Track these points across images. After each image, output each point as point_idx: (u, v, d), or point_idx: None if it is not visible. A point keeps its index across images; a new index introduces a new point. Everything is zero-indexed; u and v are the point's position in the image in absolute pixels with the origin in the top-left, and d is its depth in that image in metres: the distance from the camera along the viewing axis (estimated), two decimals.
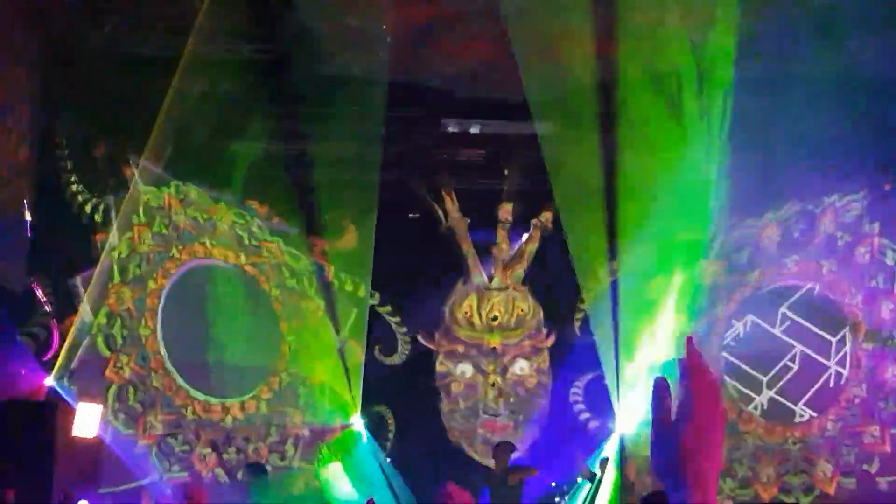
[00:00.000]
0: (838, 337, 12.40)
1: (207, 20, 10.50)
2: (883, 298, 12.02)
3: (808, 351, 12.50)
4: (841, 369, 12.26)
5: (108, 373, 11.21)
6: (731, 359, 12.58)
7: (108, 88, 11.08)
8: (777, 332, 12.54)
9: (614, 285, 12.73)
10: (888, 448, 11.69)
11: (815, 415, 12.34)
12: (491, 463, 11.80)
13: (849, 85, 11.02)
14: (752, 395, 12.53)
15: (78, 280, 11.07)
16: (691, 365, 1.25)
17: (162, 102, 11.02)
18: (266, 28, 10.95)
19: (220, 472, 11.84)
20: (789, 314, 12.49)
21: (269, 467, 11.68)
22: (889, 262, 12.03)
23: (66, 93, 11.25)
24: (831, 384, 12.31)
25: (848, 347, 12.27)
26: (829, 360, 12.38)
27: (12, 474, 9.34)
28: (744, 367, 12.58)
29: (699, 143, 11.68)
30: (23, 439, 9.83)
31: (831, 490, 11.89)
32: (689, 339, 1.49)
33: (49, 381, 10.49)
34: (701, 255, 12.56)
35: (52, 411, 10.20)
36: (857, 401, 12.05)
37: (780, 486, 12.14)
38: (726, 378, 12.58)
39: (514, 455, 11.59)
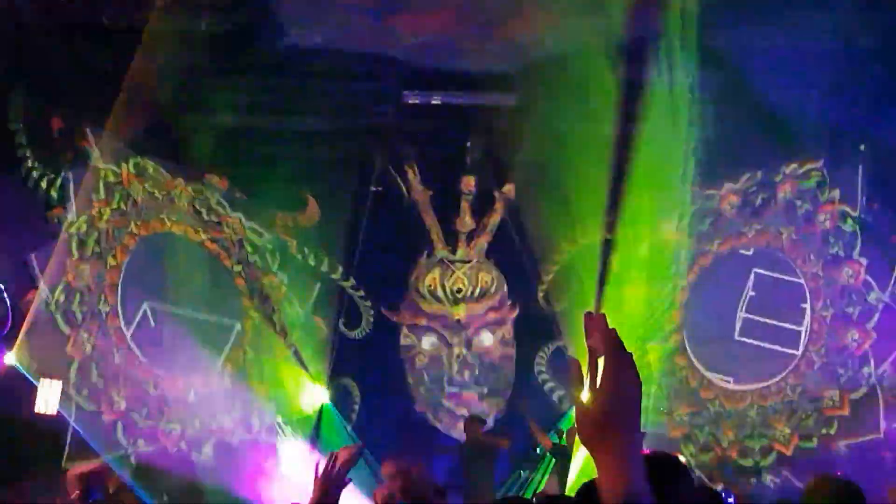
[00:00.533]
0: (799, 304, 12.43)
1: None
2: (843, 264, 12.09)
3: (769, 319, 12.48)
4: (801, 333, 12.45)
5: (68, 349, 11.03)
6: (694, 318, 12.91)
7: (65, 60, 10.95)
8: (738, 299, 12.62)
9: (577, 256, 12.92)
10: (847, 412, 11.79)
11: (776, 380, 12.40)
12: (458, 435, 12.31)
13: (806, 54, 11.07)
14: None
15: (34, 256, 10.88)
16: (599, 339, 1.32)
17: (121, 75, 10.86)
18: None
19: (183, 445, 11.88)
20: (750, 281, 12.68)
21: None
22: (848, 228, 12.13)
23: (21, 65, 10.99)
24: (792, 344, 12.46)
25: (808, 307, 12.40)
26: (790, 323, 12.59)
27: None
28: (707, 331, 12.83)
29: (661, 115, 11.74)
30: None
31: (789, 452, 11.98)
32: (588, 315, 1.53)
33: (8, 358, 10.29)
34: (664, 225, 12.83)
35: (13, 389, 10.21)
36: (816, 366, 12.15)
37: (739, 449, 12.28)
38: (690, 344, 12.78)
39: (484, 428, 12.13)
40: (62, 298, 11.12)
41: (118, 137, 11.76)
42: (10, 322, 10.67)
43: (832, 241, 12.26)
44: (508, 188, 13.06)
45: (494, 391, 13.09)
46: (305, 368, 12.80)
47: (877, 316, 11.84)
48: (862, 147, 12.18)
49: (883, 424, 11.64)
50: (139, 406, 11.73)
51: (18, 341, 10.53)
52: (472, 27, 11.21)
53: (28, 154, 11.10)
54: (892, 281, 11.89)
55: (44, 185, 11.15)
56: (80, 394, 11.09)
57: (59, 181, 11.26)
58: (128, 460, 11.47)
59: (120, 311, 11.74)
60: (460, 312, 13.21)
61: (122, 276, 11.79)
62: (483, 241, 13.27)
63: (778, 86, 11.41)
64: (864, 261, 12.00)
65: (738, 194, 12.82)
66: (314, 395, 12.81)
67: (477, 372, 13.11)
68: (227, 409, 12.36)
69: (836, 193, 12.20)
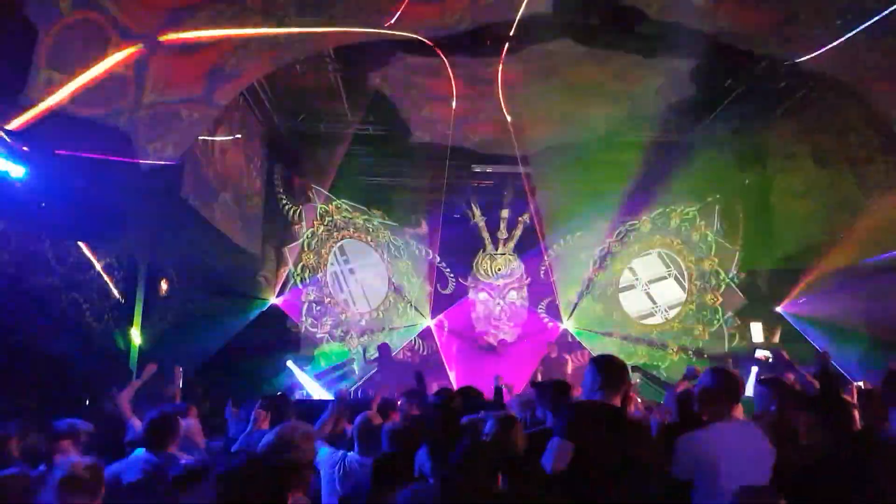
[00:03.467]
0: (681, 279, 12.96)
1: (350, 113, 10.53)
2: (705, 259, 12.65)
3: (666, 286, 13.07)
4: (682, 295, 12.93)
5: (302, 297, 11.74)
6: (624, 291, 13.19)
7: (301, 149, 11.46)
8: (649, 276, 13.10)
9: (561, 252, 13.28)
10: (707, 337, 12.46)
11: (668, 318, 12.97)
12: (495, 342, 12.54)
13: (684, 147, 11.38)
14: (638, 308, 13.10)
15: (286, 249, 11.55)
16: None
17: (329, 158, 11.51)
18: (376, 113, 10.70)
19: (359, 349, 12.21)
20: (661, 265, 13.14)
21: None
22: (709, 240, 12.65)
23: (279, 152, 11.39)
24: (676, 302, 12.98)
25: (686, 282, 12.89)
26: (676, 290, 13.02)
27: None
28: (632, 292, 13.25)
29: (605, 184, 12.03)
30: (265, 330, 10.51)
31: (675, 358, 12.48)
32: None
33: (273, 300, 11.10)
34: (604, 236, 13.26)
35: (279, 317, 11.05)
36: (690, 312, 12.76)
37: (648, 356, 12.64)
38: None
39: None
40: (299, 270, 11.82)
41: (328, 189, 12.29)
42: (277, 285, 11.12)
43: (700, 247, 12.76)
44: (525, 216, 13.23)
45: (516, 324, 13.27)
46: (420, 309, 12.97)
47: (723, 286, 12.46)
48: (718, 196, 12.59)
49: (727, 346, 12.21)
50: (336, 326, 12.26)
51: (277, 291, 11.29)
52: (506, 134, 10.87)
53: (284, 197, 11.68)
54: (733, 268, 12.29)
55: (290, 212, 11.79)
56: (306, 321, 11.87)
57: (298, 211, 11.85)
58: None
59: (328, 276, 12.31)
60: (499, 281, 13.37)
61: (329, 259, 12.37)
62: (511, 244, 13.40)
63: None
64: (716, 258, 12.58)
65: (649, 220, 13.14)
66: (425, 323, 13.00)
67: (508, 313, 13.34)
68: (380, 330, 12.66)
69: (703, 222, 12.72)
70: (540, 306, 13.40)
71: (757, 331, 11.66)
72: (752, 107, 10.18)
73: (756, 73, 9.22)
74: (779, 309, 10.91)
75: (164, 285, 8.05)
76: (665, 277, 13.06)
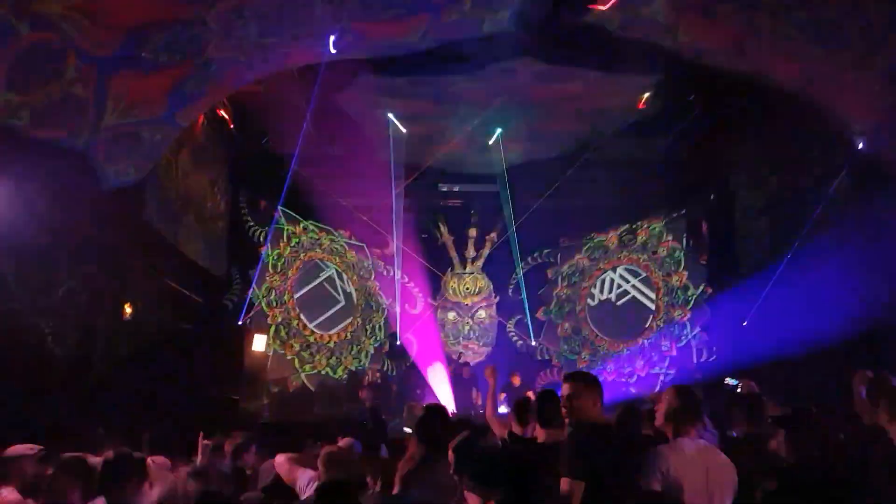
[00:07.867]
0: (649, 295, 13.07)
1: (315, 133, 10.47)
2: (673, 274, 12.75)
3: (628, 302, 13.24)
4: (652, 308, 13.01)
5: (269, 319, 11.68)
6: (593, 308, 13.34)
7: (266, 170, 11.31)
8: (617, 293, 13.31)
9: (527, 271, 13.31)
10: (675, 353, 12.47)
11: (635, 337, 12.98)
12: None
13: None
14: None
15: (252, 272, 11.28)
16: None
17: (295, 179, 11.01)
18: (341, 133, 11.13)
19: (328, 371, 12.28)
20: (623, 284, 13.32)
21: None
22: (677, 255, 12.69)
23: (244, 174, 11.52)
24: (645, 318, 13.01)
25: (654, 298, 13.02)
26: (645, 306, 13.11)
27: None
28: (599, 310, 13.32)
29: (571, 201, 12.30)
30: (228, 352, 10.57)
31: (643, 374, 12.59)
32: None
33: (239, 323, 10.85)
34: (574, 254, 13.45)
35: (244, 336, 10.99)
36: (659, 329, 12.76)
37: (616, 373, 12.75)
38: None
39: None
40: (265, 293, 11.69)
41: (294, 211, 12.05)
42: (244, 308, 10.92)
43: (668, 262, 12.82)
44: (493, 234, 13.37)
45: (485, 343, 13.36)
46: (389, 328, 12.99)
47: (692, 302, 12.48)
48: (683, 211, 12.71)
49: (694, 360, 12.21)
50: (304, 348, 12.20)
51: (244, 313, 10.96)
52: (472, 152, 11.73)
53: (249, 218, 11.72)
54: (702, 284, 12.30)
55: (256, 234, 11.74)
56: (274, 342, 11.72)
57: (263, 232, 11.74)
58: (300, 376, 11.99)
59: (295, 299, 12.20)
60: (468, 300, 13.43)
61: (296, 281, 12.28)
62: (480, 262, 13.52)
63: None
64: (685, 273, 12.62)
65: (616, 236, 13.25)
66: (395, 342, 12.95)
67: (477, 332, 13.39)
68: (348, 350, 12.65)
69: (671, 236, 12.77)
70: (509, 324, 13.47)
71: None
72: (715, 122, 10.46)
73: (718, 88, 9.46)
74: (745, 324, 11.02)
75: (128, 309, 7.89)
76: (633, 294, 13.17)
